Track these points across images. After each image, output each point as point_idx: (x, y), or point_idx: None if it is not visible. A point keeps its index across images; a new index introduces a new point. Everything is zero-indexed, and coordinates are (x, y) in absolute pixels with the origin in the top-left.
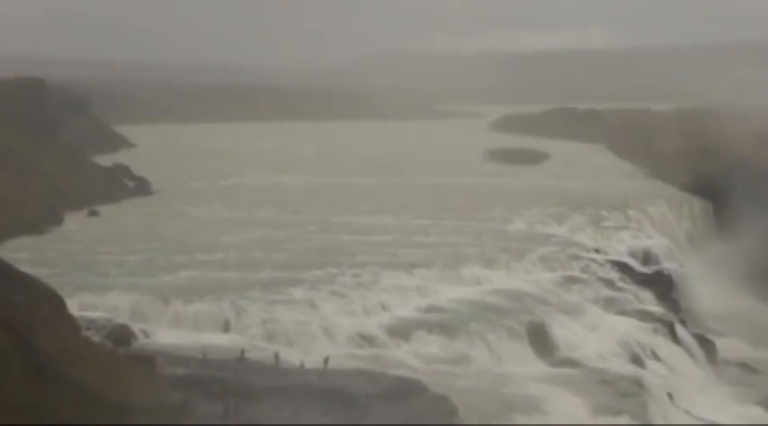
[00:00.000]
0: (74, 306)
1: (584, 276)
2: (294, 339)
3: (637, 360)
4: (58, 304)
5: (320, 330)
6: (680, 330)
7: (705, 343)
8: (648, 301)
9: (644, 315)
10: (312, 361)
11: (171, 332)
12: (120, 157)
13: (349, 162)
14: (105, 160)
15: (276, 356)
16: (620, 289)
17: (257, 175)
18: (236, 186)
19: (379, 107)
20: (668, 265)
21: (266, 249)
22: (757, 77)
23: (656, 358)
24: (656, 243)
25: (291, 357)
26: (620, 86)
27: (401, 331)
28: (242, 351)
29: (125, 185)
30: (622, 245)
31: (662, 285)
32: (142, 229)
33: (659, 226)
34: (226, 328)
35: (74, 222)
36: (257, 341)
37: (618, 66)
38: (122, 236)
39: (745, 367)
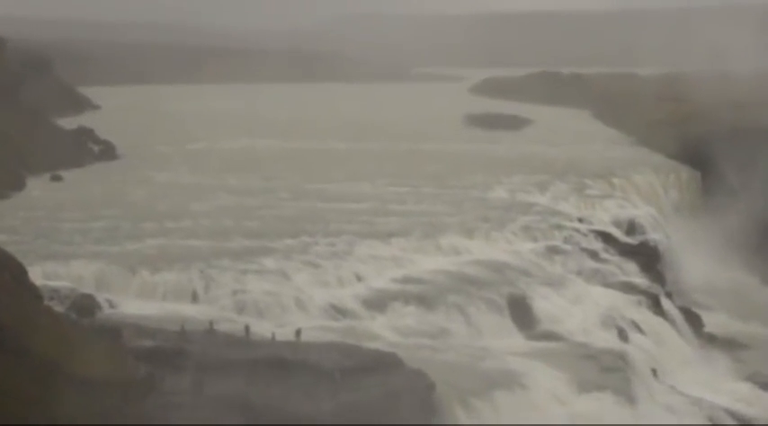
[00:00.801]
0: (36, 275)
1: (567, 246)
2: (265, 310)
3: (620, 334)
4: (19, 273)
5: (292, 301)
6: (665, 303)
7: (691, 317)
8: (633, 273)
9: (628, 288)
10: (284, 334)
11: (137, 302)
12: (85, 120)
13: (323, 126)
14: (69, 123)
15: (246, 328)
16: (604, 261)
17: (228, 140)
18: (205, 151)
19: (355, 70)
20: (654, 236)
21: (237, 217)
22: (745, 42)
23: (641, 331)
24: (641, 212)
25: (262, 329)
26: (607, 49)
27: (377, 302)
28: (211, 323)
29: (89, 149)
30: (607, 215)
31: (647, 256)
32: (107, 195)
33: (645, 195)
34: (194, 299)
35: (36, 187)
36: (227, 312)
37: (605, 29)
38: (87, 202)
39: (733, 341)
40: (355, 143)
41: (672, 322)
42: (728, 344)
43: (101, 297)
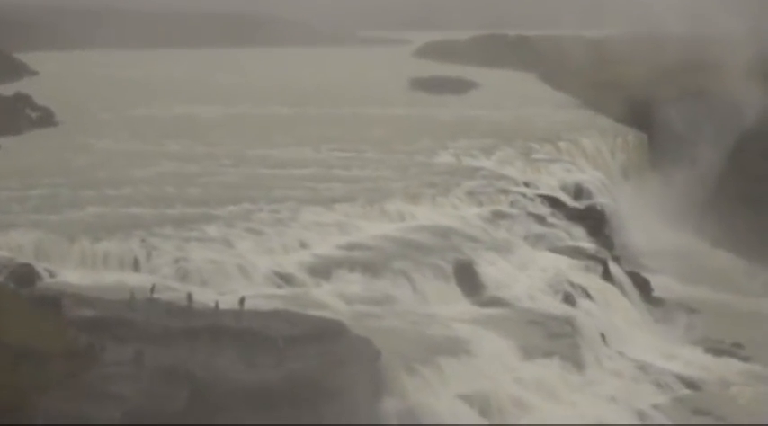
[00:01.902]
0: None
1: (514, 211)
2: (208, 278)
3: (568, 299)
4: None
5: (236, 269)
6: (613, 267)
7: (639, 281)
8: (580, 237)
9: (576, 252)
10: (227, 302)
11: (77, 272)
12: (22, 86)
13: (265, 91)
14: (5, 89)
15: (189, 297)
16: (551, 225)
17: (168, 106)
18: (146, 117)
19: (297, 33)
20: (601, 200)
21: (178, 184)
22: (699, 4)
23: (589, 297)
24: (588, 176)
25: (205, 297)
26: (553, 10)
27: (321, 269)
28: (152, 290)
29: (27, 116)
30: (553, 179)
31: (594, 220)
32: (46, 163)
33: (592, 158)
34: (136, 267)
35: None
36: (169, 280)
37: None
38: (25, 170)
39: (682, 306)
40: (298, 108)
41: (620, 286)
42: (678, 309)
43: (40, 267)
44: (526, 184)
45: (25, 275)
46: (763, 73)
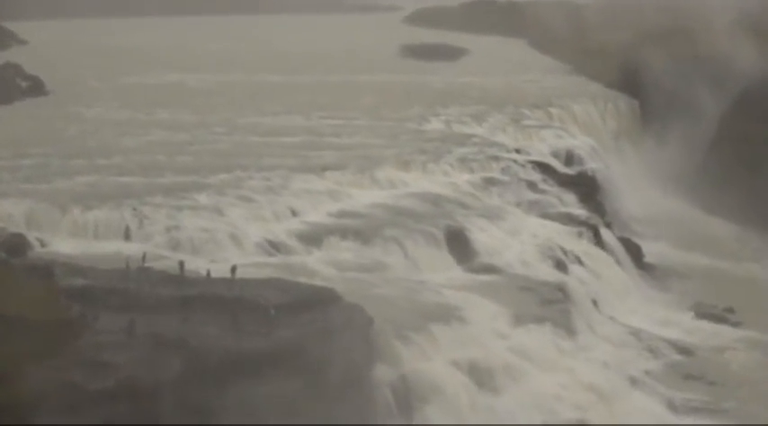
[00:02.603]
0: None
1: (505, 178)
2: (199, 247)
3: (560, 266)
4: None
5: (227, 237)
6: (605, 233)
7: (631, 247)
8: (572, 204)
9: (567, 219)
10: (219, 270)
11: (69, 241)
12: (11, 55)
13: (255, 59)
14: None
15: (181, 265)
16: (543, 191)
17: (159, 74)
18: (136, 85)
19: (286, 0)
20: (593, 166)
21: (169, 152)
22: None
23: (580, 263)
24: (579, 142)
25: (197, 266)
26: None
27: (313, 237)
28: (143, 259)
29: (17, 85)
30: (544, 145)
31: (586, 187)
32: (36, 132)
33: (583, 124)
34: (127, 236)
35: None
36: (161, 249)
37: None
38: (15, 140)
39: (674, 272)
40: (288, 76)
41: (612, 252)
42: (670, 275)
43: (31, 236)
44: (517, 151)
45: (16, 245)
46: (755, 31)
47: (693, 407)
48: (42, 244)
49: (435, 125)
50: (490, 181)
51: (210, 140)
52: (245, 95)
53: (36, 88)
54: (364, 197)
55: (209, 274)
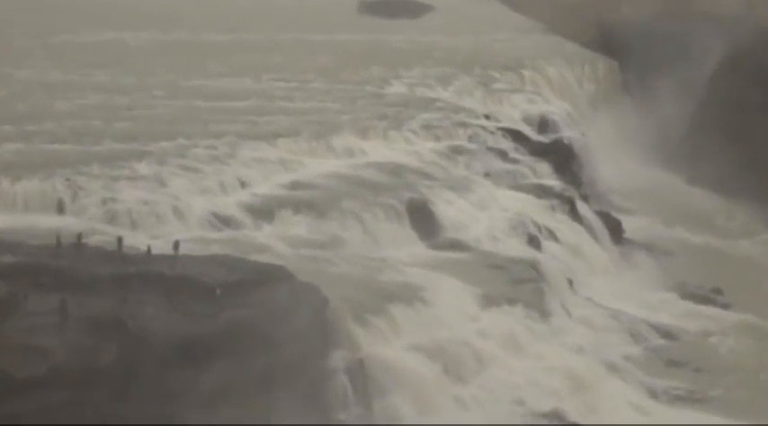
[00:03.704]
0: None
1: (473, 146)
2: (139, 221)
3: (532, 242)
4: None
5: (170, 210)
6: (581, 207)
7: (610, 222)
8: (546, 174)
9: (541, 191)
10: (160, 247)
11: None
12: None
13: (200, 16)
14: None
15: (119, 241)
16: (514, 161)
17: (95, 32)
18: (69, 44)
19: None
20: (568, 133)
21: (106, 117)
22: None
23: (555, 239)
24: (554, 108)
25: (136, 242)
26: None
27: (263, 210)
28: (79, 236)
29: None
30: (516, 111)
31: (561, 156)
32: None
33: (558, 88)
34: (60, 209)
35: None
36: (96, 223)
37: None
38: None
39: (656, 248)
40: (236, 34)
41: (588, 227)
42: (651, 251)
43: None
44: (486, 117)
45: None
46: None
47: (676, 395)
48: None
49: (397, 88)
50: (456, 150)
51: (151, 105)
52: (189, 56)
53: None
54: (319, 166)
55: (149, 250)
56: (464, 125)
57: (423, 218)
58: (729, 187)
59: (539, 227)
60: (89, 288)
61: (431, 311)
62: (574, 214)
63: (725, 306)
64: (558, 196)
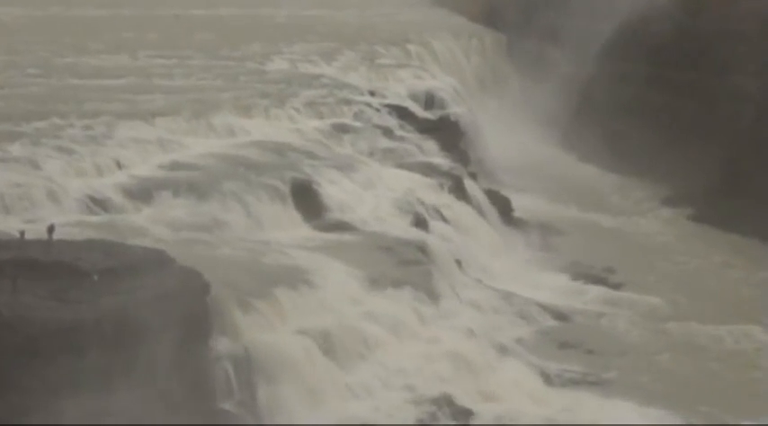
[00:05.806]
0: None
1: (358, 124)
2: (11, 204)
3: (419, 222)
4: None
5: (43, 193)
6: (469, 185)
7: (499, 200)
8: (433, 152)
9: (428, 169)
10: (34, 231)
11: None
12: None
13: None
14: None
15: None
16: (400, 139)
17: None
18: None
19: None
20: (455, 109)
21: None
22: None
23: (443, 219)
24: (441, 83)
25: (8, 226)
26: None
27: (141, 192)
28: None
29: None
30: (402, 87)
31: (448, 133)
32: None
33: (444, 63)
34: None
35: None
36: None
37: None
38: None
39: (547, 227)
40: (112, 9)
41: (477, 206)
42: (542, 231)
43: None
44: (371, 93)
45: None
46: None
47: (570, 378)
48: None
49: (279, 64)
50: (341, 128)
51: (24, 83)
52: (62, 32)
53: None
54: (200, 146)
55: (22, 235)
56: (349, 102)
57: (307, 199)
58: (624, 164)
59: (426, 207)
60: None
61: (317, 295)
62: (462, 193)
63: (617, 286)
64: (446, 174)
